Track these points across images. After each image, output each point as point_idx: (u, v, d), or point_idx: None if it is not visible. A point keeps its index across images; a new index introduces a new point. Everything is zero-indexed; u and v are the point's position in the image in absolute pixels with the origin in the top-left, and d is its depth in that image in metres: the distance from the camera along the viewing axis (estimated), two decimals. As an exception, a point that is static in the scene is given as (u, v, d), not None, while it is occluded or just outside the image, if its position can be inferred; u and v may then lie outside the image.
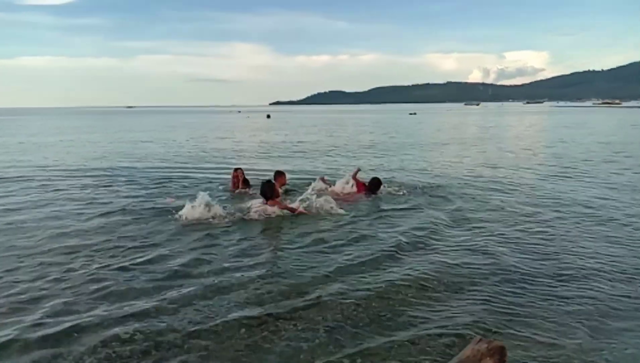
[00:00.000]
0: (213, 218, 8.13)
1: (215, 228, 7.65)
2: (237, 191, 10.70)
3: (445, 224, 7.96)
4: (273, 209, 8.34)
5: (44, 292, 5.10)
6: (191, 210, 8.20)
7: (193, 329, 4.26)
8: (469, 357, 2.95)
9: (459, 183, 12.12)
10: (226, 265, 5.96)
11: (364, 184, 10.53)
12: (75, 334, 4.16)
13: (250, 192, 10.48)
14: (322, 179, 10.86)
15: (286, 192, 10.41)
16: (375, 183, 10.47)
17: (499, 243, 6.96)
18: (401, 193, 10.49)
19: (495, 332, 4.26)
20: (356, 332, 4.27)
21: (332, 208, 8.60)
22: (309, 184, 10.90)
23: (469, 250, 6.65)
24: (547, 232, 7.56)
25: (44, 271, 5.73)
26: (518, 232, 7.56)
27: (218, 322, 4.39)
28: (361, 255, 6.29)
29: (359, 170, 11.06)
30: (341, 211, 8.56)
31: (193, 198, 8.55)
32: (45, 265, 5.94)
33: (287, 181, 10.90)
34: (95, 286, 5.21)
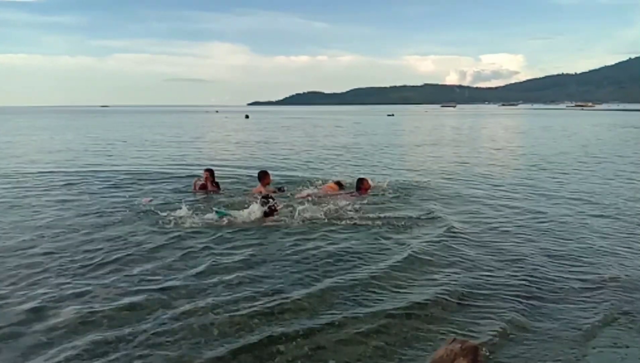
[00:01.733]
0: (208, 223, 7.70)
1: (204, 235, 7.20)
2: (205, 191, 10.37)
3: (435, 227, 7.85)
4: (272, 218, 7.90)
5: (16, 304, 4.72)
6: (186, 214, 7.94)
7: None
8: (443, 357, 2.89)
9: (442, 182, 12.26)
10: (217, 279, 5.42)
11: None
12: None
13: (221, 193, 10.29)
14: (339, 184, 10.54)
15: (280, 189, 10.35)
16: (357, 182, 10.32)
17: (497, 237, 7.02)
18: (386, 193, 10.37)
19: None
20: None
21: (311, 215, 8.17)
22: (285, 184, 10.85)
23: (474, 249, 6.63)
24: (546, 230, 7.68)
25: (16, 279, 5.36)
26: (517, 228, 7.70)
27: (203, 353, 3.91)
28: (366, 271, 5.74)
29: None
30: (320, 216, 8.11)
31: (180, 202, 8.24)
32: (18, 272, 5.57)
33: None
34: (77, 299, 4.84)
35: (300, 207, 8.35)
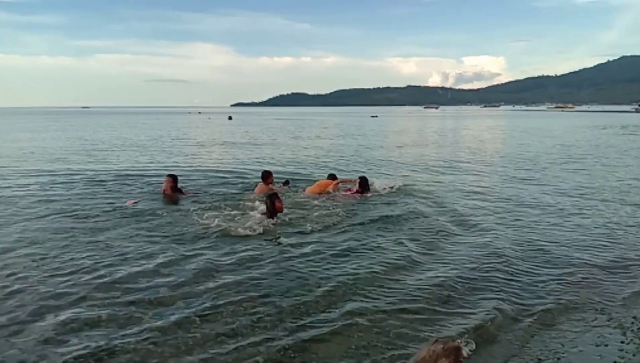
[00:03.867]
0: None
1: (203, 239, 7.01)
2: (168, 195, 10.09)
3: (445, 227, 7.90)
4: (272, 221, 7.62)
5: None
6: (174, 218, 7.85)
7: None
8: (425, 357, 2.90)
9: (447, 183, 12.34)
10: (218, 282, 5.27)
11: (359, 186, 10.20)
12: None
13: (188, 195, 10.11)
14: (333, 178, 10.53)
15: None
16: (363, 181, 10.21)
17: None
18: (387, 191, 10.38)
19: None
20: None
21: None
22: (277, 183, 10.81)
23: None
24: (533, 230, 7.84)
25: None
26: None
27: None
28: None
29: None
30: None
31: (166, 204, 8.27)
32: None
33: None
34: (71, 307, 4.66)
35: (309, 210, 8.39)
